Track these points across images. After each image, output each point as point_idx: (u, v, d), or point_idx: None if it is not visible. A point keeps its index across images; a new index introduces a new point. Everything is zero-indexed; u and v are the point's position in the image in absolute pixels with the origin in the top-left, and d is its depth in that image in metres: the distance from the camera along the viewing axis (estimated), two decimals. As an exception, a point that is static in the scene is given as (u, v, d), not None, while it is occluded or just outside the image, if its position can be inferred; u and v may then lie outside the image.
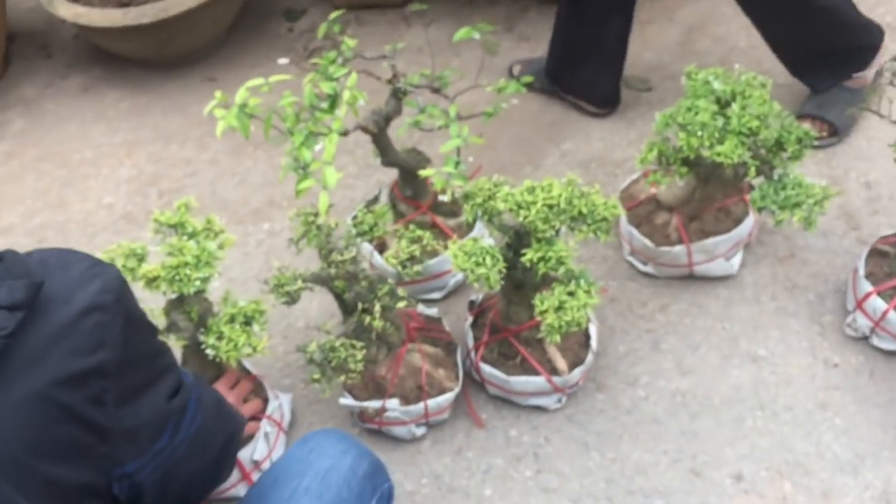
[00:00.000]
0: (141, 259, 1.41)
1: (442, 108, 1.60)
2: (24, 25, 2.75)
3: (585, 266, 1.88)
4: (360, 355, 1.44)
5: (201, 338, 1.44)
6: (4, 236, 2.18)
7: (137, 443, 0.89)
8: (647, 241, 1.78)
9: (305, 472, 1.22)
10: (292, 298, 1.49)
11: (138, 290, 1.41)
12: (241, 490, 1.60)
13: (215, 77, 2.51)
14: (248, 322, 1.47)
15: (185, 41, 2.47)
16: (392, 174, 1.87)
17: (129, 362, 0.86)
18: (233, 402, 1.54)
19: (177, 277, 1.37)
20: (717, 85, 1.56)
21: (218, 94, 1.55)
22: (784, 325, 1.76)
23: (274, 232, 2.09)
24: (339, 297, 1.54)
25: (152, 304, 1.45)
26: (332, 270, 1.46)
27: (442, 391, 1.63)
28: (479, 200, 1.50)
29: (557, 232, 1.47)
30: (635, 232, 1.81)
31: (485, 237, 1.80)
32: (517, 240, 1.48)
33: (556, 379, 1.62)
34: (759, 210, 1.52)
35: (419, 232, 1.51)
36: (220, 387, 1.55)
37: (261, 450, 1.61)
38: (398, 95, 1.63)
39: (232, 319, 1.46)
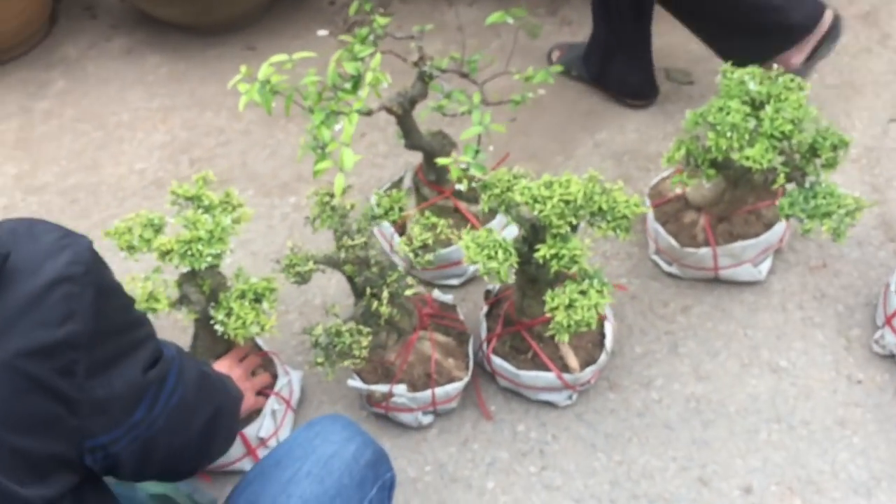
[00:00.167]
0: (158, 230, 1.41)
1: (470, 92, 1.57)
2: (71, -15, 2.78)
3: (608, 262, 1.86)
4: (365, 342, 1.43)
5: (211, 312, 1.44)
6: (38, 195, 2.21)
7: (110, 414, 0.88)
8: (673, 241, 1.73)
9: (308, 455, 1.23)
10: (303, 279, 1.48)
11: (152, 260, 1.43)
12: (245, 465, 1.61)
13: (255, 46, 2.51)
14: (258, 299, 1.47)
15: (227, 9, 2.46)
16: (421, 156, 1.84)
17: (100, 334, 0.85)
18: (240, 375, 1.55)
19: (189, 252, 1.37)
20: (752, 85, 1.50)
21: (243, 68, 1.54)
22: (809, 337, 1.70)
23: (300, 206, 2.08)
24: (351, 279, 1.53)
25: (167, 275, 1.46)
26: (342, 254, 1.44)
27: (450, 380, 1.61)
28: (496, 191, 1.47)
29: (576, 227, 1.43)
30: (661, 230, 1.76)
31: (507, 226, 1.77)
32: (533, 233, 1.45)
33: (566, 376, 1.59)
34: (786, 217, 1.46)
35: (434, 219, 1.49)
36: (229, 360, 1.55)
37: (267, 426, 1.61)
38: (424, 78, 1.60)
39: (242, 296, 1.46)
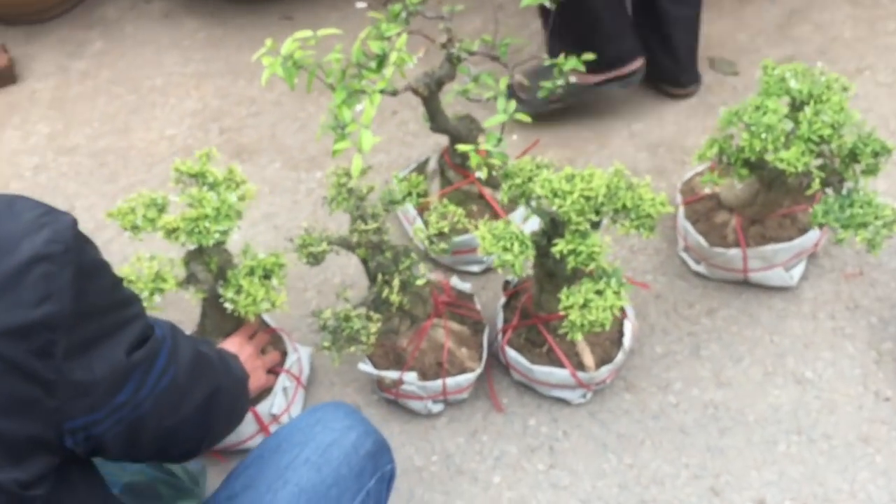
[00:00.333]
0: (161, 209, 1.39)
1: (503, 76, 1.52)
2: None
3: (634, 256, 1.81)
4: (374, 328, 1.40)
5: (220, 290, 1.43)
6: (69, 155, 2.21)
7: (91, 396, 0.86)
8: (702, 240, 1.67)
9: (308, 442, 1.21)
10: (316, 259, 1.45)
11: (158, 240, 1.42)
12: (258, 442, 1.60)
13: (292, 16, 2.47)
14: (267, 276, 1.45)
15: (266, -24, 2.43)
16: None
17: (81, 314, 0.82)
18: (251, 353, 1.53)
19: (196, 230, 1.35)
20: (793, 84, 1.43)
21: (269, 41, 1.51)
22: (838, 347, 1.64)
23: (325, 182, 2.05)
24: (365, 263, 1.50)
25: (173, 253, 1.45)
26: (355, 238, 1.41)
27: (462, 371, 1.58)
28: (517, 181, 1.42)
29: (598, 224, 1.39)
30: (691, 228, 1.70)
31: (529, 217, 1.73)
32: (552, 227, 1.41)
33: (581, 374, 1.55)
34: (819, 226, 1.40)
35: (451, 207, 1.45)
36: (239, 338, 1.54)
37: (279, 403, 1.60)
38: (452, 60, 1.56)
39: (251, 272, 1.44)
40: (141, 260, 1.37)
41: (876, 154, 1.39)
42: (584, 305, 1.32)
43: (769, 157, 1.39)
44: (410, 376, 1.56)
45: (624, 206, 1.37)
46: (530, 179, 1.42)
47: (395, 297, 1.41)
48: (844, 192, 1.41)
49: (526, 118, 1.49)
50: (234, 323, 1.54)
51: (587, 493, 1.53)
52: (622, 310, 1.58)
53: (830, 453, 1.52)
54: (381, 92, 1.44)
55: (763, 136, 1.38)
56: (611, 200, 1.35)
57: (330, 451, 1.20)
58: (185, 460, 1.18)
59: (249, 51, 2.40)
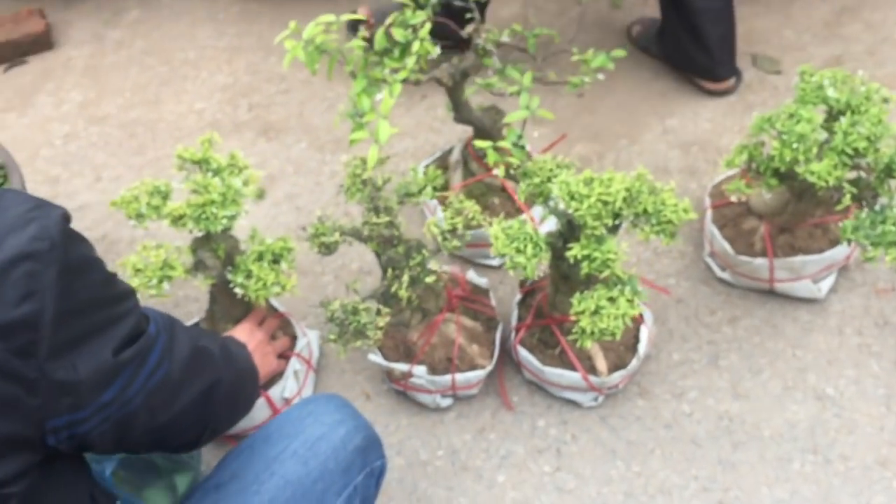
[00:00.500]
0: (165, 196, 1.38)
1: (532, 68, 1.48)
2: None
3: (658, 258, 1.77)
4: (381, 322, 1.38)
5: (229, 276, 1.42)
6: (100, 125, 2.22)
7: (75, 395, 0.85)
8: (728, 246, 1.62)
9: (298, 434, 1.20)
10: (328, 249, 1.44)
11: (164, 227, 1.40)
12: (265, 427, 1.60)
13: (329, -8, 2.44)
14: (275, 260, 1.44)
15: (303, -49, 2.40)
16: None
17: (65, 313, 0.81)
18: (262, 339, 1.52)
19: (203, 216, 1.33)
20: (830, 92, 1.37)
21: (292, 24, 1.49)
22: (863, 365, 1.58)
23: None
24: (378, 255, 1.48)
25: (178, 240, 1.44)
26: (366, 231, 1.39)
27: (472, 367, 1.56)
28: (536, 180, 1.39)
29: (617, 228, 1.35)
30: (717, 233, 1.65)
31: (547, 216, 1.69)
32: (569, 229, 1.37)
33: (592, 378, 1.51)
34: (848, 242, 1.34)
35: (467, 203, 1.42)
36: (249, 324, 1.53)
37: (291, 387, 1.59)
38: (478, 51, 1.52)
39: (260, 257, 1.43)
40: (147, 248, 1.36)
41: (913, 170, 1.32)
42: (596, 312, 1.29)
43: (799, 168, 1.34)
44: (420, 370, 1.54)
45: (645, 211, 1.33)
46: (549, 179, 1.39)
47: (403, 293, 1.39)
48: (878, 207, 1.35)
49: (548, 115, 1.44)
50: (243, 308, 1.53)
51: (592, 498, 1.50)
52: (640, 314, 1.54)
53: (846, 475, 1.47)
54: (403, 82, 1.41)
55: (795, 145, 1.32)
56: (630, 205, 1.31)
57: (318, 444, 1.19)
58: (187, 451, 1.18)
59: (282, 27, 2.33)
